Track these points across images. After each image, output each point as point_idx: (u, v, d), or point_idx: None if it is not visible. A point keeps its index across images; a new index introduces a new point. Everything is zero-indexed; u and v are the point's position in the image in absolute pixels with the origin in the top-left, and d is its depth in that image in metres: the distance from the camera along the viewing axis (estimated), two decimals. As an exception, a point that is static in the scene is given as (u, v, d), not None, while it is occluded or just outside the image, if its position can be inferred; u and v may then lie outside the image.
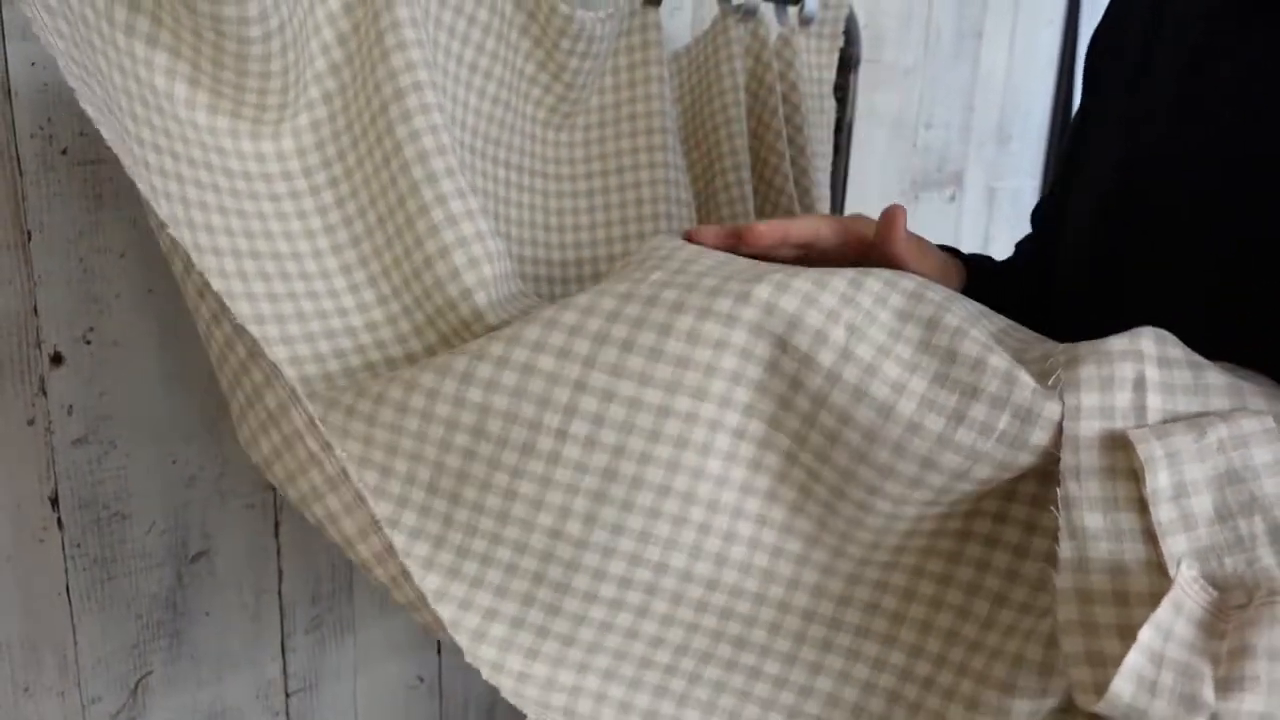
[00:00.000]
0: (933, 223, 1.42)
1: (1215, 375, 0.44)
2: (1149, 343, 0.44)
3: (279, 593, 0.79)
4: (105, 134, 0.42)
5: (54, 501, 0.67)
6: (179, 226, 0.51)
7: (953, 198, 1.44)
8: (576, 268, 0.74)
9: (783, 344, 0.45)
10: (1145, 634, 0.38)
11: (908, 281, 0.48)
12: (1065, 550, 0.42)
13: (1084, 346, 0.45)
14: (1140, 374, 0.43)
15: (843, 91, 0.96)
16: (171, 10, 0.50)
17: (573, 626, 0.49)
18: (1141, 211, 0.55)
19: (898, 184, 1.34)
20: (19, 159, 0.61)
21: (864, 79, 1.04)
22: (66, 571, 0.68)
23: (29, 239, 0.62)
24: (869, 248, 0.57)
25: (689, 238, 0.56)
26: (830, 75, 0.94)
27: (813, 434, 0.47)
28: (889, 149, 1.31)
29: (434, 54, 0.61)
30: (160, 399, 0.70)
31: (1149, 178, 0.54)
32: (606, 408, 0.46)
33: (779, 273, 0.47)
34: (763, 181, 0.86)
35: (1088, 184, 0.61)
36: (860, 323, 0.45)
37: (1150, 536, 0.41)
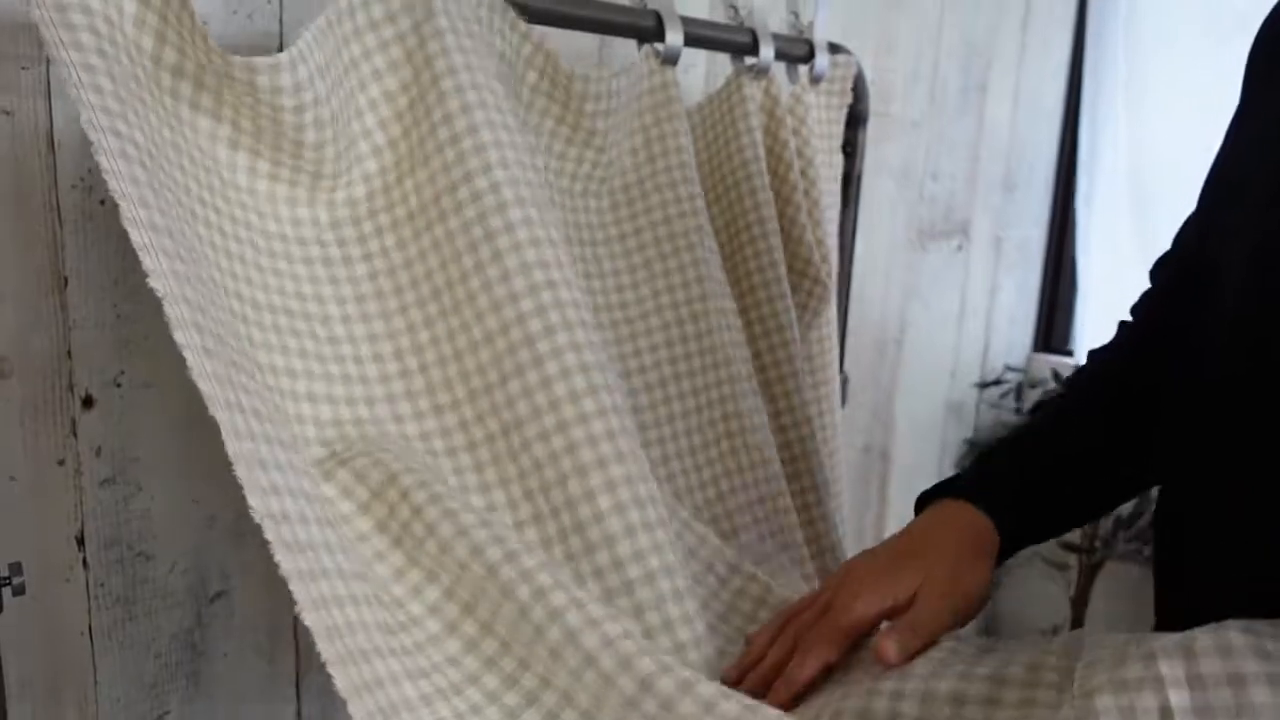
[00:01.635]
0: (941, 273, 1.44)
1: (1262, 691, 0.40)
2: (1168, 665, 0.41)
3: (294, 633, 0.80)
4: (111, 184, 0.44)
5: (80, 541, 0.68)
6: (222, 275, 0.54)
7: (960, 247, 1.46)
8: (617, 314, 0.77)
9: None
10: None
11: (879, 700, 0.49)
12: None
13: (1100, 675, 0.42)
14: (1165, 703, 0.40)
15: (851, 146, 0.98)
16: (215, 75, 0.53)
17: None
18: None
19: (905, 234, 1.37)
20: (59, 209, 0.63)
21: (871, 132, 1.06)
22: (90, 611, 0.69)
23: (65, 285, 0.64)
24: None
25: (725, 679, 0.58)
26: (839, 130, 0.97)
27: None
28: (897, 200, 1.34)
29: None
30: (184, 441, 0.71)
31: None
32: None
33: None
34: (780, 232, 0.88)
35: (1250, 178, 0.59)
36: None
37: None
